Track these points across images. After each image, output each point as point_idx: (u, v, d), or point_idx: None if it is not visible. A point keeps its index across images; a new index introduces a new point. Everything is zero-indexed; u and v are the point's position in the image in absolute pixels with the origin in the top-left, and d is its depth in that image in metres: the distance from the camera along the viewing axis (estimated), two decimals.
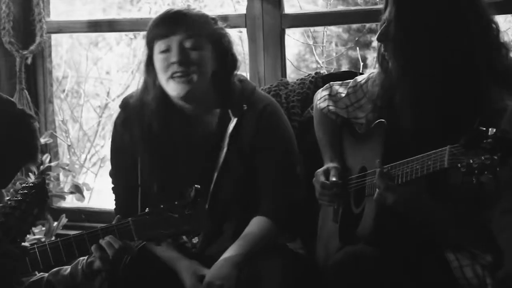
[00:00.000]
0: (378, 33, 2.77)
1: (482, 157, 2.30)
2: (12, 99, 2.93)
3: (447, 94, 2.67)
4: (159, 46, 3.07)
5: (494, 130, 2.30)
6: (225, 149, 3.09)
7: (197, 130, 3.17)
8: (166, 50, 3.05)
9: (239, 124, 3.11)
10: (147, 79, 3.14)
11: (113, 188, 3.29)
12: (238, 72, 3.21)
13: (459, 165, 2.37)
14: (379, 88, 2.90)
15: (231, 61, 3.15)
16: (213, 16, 3.18)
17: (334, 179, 3.01)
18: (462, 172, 2.36)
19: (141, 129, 3.16)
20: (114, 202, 3.29)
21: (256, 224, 3.08)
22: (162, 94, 3.11)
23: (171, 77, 3.04)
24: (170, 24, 3.07)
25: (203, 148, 3.15)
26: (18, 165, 2.82)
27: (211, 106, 3.16)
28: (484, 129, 2.31)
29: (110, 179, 3.32)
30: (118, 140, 3.25)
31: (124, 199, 3.23)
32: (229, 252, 3.01)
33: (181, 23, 3.06)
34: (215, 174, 3.10)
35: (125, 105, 3.25)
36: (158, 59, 3.07)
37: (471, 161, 2.32)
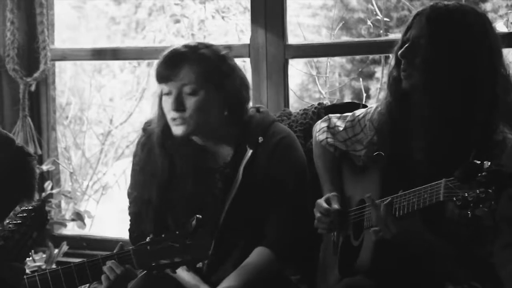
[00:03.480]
0: (403, 49, 2.76)
1: (477, 190, 2.30)
2: (11, 136, 2.92)
3: (458, 119, 2.68)
4: (163, 88, 3.10)
5: (489, 163, 2.30)
6: (239, 181, 3.10)
7: (211, 160, 3.18)
8: (168, 93, 3.08)
9: (254, 156, 3.12)
10: (158, 111, 3.18)
11: (129, 208, 3.29)
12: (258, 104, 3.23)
13: (454, 198, 2.37)
14: (386, 114, 2.90)
15: (240, 98, 3.15)
16: (222, 54, 3.16)
17: (336, 206, 3.01)
18: (457, 206, 2.36)
19: (151, 158, 3.20)
20: (129, 221, 3.30)
21: (257, 254, 3.07)
22: (167, 126, 3.14)
23: (172, 119, 3.09)
24: (169, 68, 3.08)
25: (218, 178, 3.16)
26: (13, 204, 2.80)
27: (225, 139, 3.17)
28: (479, 162, 2.31)
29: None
30: (136, 162, 3.29)
31: (135, 224, 3.24)
32: (227, 282, 3.00)
33: (179, 69, 3.07)
34: (227, 204, 3.10)
35: (145, 128, 3.30)
36: (163, 99, 3.12)
37: (466, 195, 2.32)
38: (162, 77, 3.10)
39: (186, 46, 3.14)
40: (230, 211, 3.10)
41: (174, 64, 3.08)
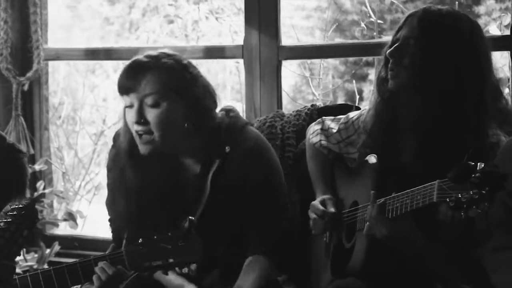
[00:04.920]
0: (391, 49, 2.77)
1: (471, 191, 2.31)
2: (2, 134, 2.92)
3: (447, 122, 2.69)
4: (125, 100, 3.02)
5: (483, 164, 2.31)
6: (207, 192, 3.06)
7: (180, 172, 3.14)
8: (130, 106, 3.01)
9: (222, 165, 3.06)
10: (124, 123, 3.11)
11: (108, 219, 3.27)
12: (231, 104, 3.19)
13: (447, 199, 2.37)
14: (374, 114, 2.90)
15: (203, 110, 3.06)
16: (184, 63, 3.07)
17: (332, 209, 3.01)
18: (451, 207, 2.36)
19: (121, 170, 3.15)
20: (111, 231, 3.27)
21: (253, 265, 3.03)
22: (133, 139, 3.07)
23: (137, 133, 3.02)
24: (130, 79, 3.00)
25: (187, 190, 3.12)
26: (4, 201, 2.80)
27: (189, 152, 3.12)
28: (473, 163, 2.32)
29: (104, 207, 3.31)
30: (109, 173, 3.25)
31: (117, 231, 3.20)
32: None
33: (140, 79, 2.98)
34: (196, 217, 3.02)
35: (115, 139, 3.24)
36: (126, 112, 3.05)
37: (460, 196, 2.33)
38: (123, 89, 3.01)
39: (147, 56, 3.04)
40: (200, 223, 2.98)
41: (135, 75, 2.99)
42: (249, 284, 2.98)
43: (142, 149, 3.02)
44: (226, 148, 3.07)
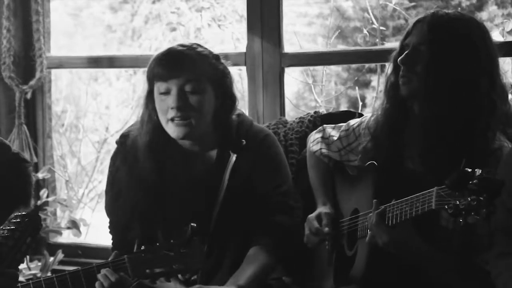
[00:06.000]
0: (403, 56, 2.76)
1: (469, 198, 2.30)
2: (7, 143, 2.92)
3: (456, 127, 2.69)
4: (159, 87, 3.04)
5: (480, 171, 2.30)
6: (225, 186, 3.08)
7: (196, 166, 3.15)
8: (166, 93, 3.02)
9: (238, 160, 3.10)
10: (144, 114, 3.13)
11: (109, 225, 3.26)
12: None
13: (446, 206, 2.37)
14: (382, 119, 2.90)
15: (231, 101, 3.13)
16: (216, 54, 3.14)
17: (326, 229, 3.00)
18: (449, 214, 2.36)
19: (136, 165, 3.15)
20: (111, 238, 3.27)
21: (253, 256, 3.05)
22: (159, 129, 3.09)
23: (171, 119, 3.03)
24: (170, 66, 3.03)
25: (203, 184, 3.13)
26: (9, 210, 2.79)
27: (210, 144, 3.14)
28: (470, 170, 2.32)
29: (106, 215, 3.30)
30: (114, 176, 3.24)
31: (119, 236, 3.20)
32: (232, 281, 2.98)
33: (181, 66, 3.02)
34: (216, 211, 3.08)
35: (123, 141, 3.24)
36: (158, 99, 3.06)
37: (458, 203, 2.33)
38: (160, 75, 3.03)
39: (182, 45, 3.10)
40: (219, 218, 3.07)
41: (174, 62, 3.04)
42: (246, 276, 2.99)
43: (178, 131, 3.04)
44: (242, 141, 3.11)
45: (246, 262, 3.04)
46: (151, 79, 3.08)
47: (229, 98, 3.12)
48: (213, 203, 3.09)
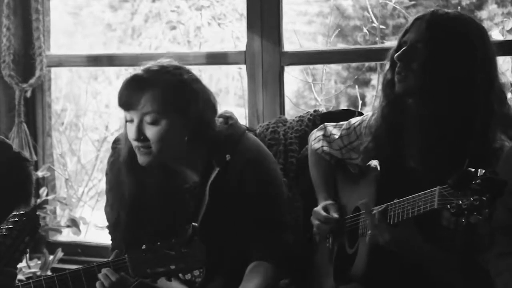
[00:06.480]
0: (399, 52, 2.76)
1: (471, 198, 2.30)
2: (8, 142, 2.93)
3: (453, 126, 2.68)
4: (125, 114, 3.03)
5: (483, 171, 2.30)
6: (207, 200, 3.05)
7: (178, 181, 3.13)
8: (131, 120, 3.01)
9: (222, 174, 3.05)
10: (124, 133, 3.11)
11: (107, 225, 3.27)
12: (233, 110, 3.18)
13: (448, 206, 2.37)
14: (380, 117, 2.90)
15: (203, 122, 3.05)
16: (185, 77, 3.03)
17: (335, 215, 3.01)
18: (452, 213, 2.36)
19: (119, 177, 3.16)
20: (110, 238, 3.27)
21: (256, 271, 3.03)
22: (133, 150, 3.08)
23: (135, 147, 3.03)
24: (129, 96, 2.98)
25: (186, 199, 3.12)
26: (10, 209, 2.79)
27: (189, 163, 3.11)
28: (473, 170, 2.31)
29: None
30: (108, 179, 3.26)
31: (119, 236, 3.20)
32: None
33: (140, 97, 2.96)
34: (197, 223, 3.00)
35: (114, 146, 3.25)
36: (126, 125, 3.05)
37: (460, 202, 2.32)
38: (123, 104, 3.01)
39: (148, 71, 3.02)
40: (200, 231, 2.92)
41: (135, 92, 2.98)
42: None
43: (141, 160, 3.03)
44: (227, 156, 3.06)
45: (248, 276, 3.02)
46: (119, 106, 3.05)
47: (200, 122, 3.04)
48: (195, 217, 3.06)
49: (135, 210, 3.13)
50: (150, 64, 3.05)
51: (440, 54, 2.68)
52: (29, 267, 4.17)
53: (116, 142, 3.24)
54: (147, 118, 2.97)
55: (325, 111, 3.69)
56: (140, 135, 2.98)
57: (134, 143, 3.01)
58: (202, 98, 3.05)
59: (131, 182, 3.12)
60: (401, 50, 2.76)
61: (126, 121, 3.04)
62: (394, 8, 5.32)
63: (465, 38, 2.70)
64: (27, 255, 4.18)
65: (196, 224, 2.70)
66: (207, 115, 3.07)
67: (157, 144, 2.98)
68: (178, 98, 2.99)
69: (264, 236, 3.06)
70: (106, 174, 3.28)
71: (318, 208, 3.07)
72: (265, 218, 3.07)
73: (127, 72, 6.24)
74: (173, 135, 3.00)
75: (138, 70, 3.06)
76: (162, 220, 3.11)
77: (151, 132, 2.98)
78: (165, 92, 2.97)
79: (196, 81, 3.07)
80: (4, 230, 2.59)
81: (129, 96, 2.99)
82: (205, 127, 3.06)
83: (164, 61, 3.07)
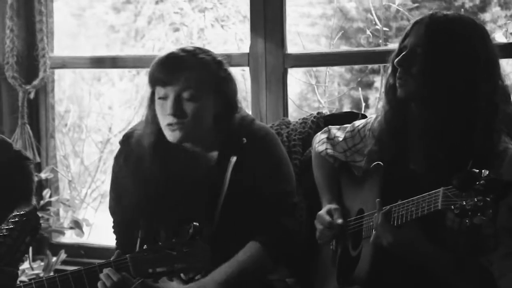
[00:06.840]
0: (399, 57, 2.76)
1: (475, 199, 2.30)
2: (8, 140, 2.92)
3: (456, 129, 2.68)
4: (158, 91, 3.07)
5: (487, 171, 2.30)
6: (226, 187, 3.08)
7: (199, 167, 3.16)
8: (164, 97, 3.05)
9: (239, 161, 3.10)
10: (148, 114, 3.15)
11: (113, 225, 3.27)
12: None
13: (452, 207, 2.37)
14: (383, 121, 2.89)
15: (232, 107, 3.14)
16: (219, 60, 3.14)
17: (339, 221, 3.01)
18: (455, 214, 2.36)
19: (140, 165, 3.16)
20: (115, 238, 3.27)
21: (246, 248, 3.06)
22: (162, 130, 3.11)
23: (167, 124, 3.06)
24: (169, 73, 3.04)
25: (205, 185, 3.13)
26: (11, 208, 2.79)
27: (212, 145, 3.15)
28: (477, 170, 2.32)
29: (109, 215, 3.31)
30: (118, 175, 3.24)
31: (123, 236, 3.21)
32: (213, 274, 2.99)
33: (179, 73, 3.03)
34: (217, 213, 3.08)
35: (126, 140, 3.25)
36: (157, 103, 3.09)
37: (464, 203, 2.33)
38: (159, 80, 3.06)
39: (184, 50, 3.10)
40: (221, 219, 3.07)
41: (173, 68, 3.04)
42: (232, 265, 3.00)
43: (172, 136, 3.06)
44: (243, 139, 3.11)
45: (237, 255, 3.04)
46: (152, 83, 3.10)
47: (230, 105, 3.13)
48: (215, 204, 3.09)
49: (157, 197, 3.14)
50: (184, 46, 3.15)
51: (440, 57, 2.68)
52: (32, 268, 4.18)
53: (127, 136, 3.26)
54: (185, 94, 3.03)
55: (328, 113, 3.69)
56: (178, 110, 3.02)
57: (168, 120, 3.04)
58: (234, 81, 3.15)
59: (156, 167, 3.14)
60: (401, 55, 2.76)
61: (158, 98, 3.07)
62: (398, 11, 5.31)
63: (465, 40, 2.70)
64: (30, 256, 4.19)
65: (198, 224, 2.70)
66: (236, 96, 3.15)
67: (192, 120, 3.04)
68: (216, 76, 3.08)
69: (270, 218, 3.08)
70: (117, 170, 3.27)
71: (322, 212, 3.07)
72: (275, 198, 3.10)
73: (130, 74, 6.26)
74: (208, 113, 3.08)
75: (172, 49, 3.13)
76: (184, 208, 3.11)
77: (189, 107, 3.03)
78: (203, 70, 3.06)
79: (227, 65, 3.17)
80: (4, 230, 2.60)
81: (166, 73, 3.04)
82: (233, 112, 3.14)
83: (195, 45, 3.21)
